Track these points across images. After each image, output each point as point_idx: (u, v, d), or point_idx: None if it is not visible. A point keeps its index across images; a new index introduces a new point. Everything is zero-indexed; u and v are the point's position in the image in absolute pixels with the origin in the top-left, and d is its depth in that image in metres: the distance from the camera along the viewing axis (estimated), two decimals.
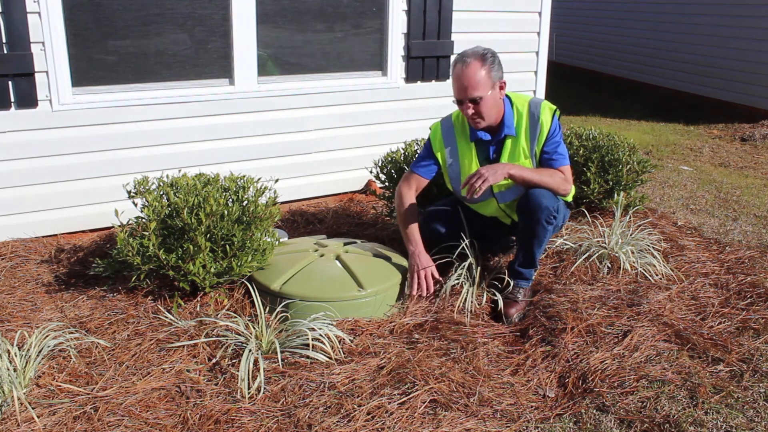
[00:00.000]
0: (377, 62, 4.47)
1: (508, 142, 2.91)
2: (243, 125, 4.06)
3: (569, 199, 3.05)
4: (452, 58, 4.60)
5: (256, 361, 2.41)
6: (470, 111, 2.79)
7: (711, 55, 8.44)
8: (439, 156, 3.04)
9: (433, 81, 4.59)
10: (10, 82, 3.38)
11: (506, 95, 2.93)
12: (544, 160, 2.90)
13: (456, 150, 3.01)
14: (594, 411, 2.27)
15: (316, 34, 4.22)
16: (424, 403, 2.26)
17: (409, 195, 3.05)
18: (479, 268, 3.06)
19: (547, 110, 2.89)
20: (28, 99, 3.44)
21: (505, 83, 2.84)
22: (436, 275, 2.94)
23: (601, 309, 2.87)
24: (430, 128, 3.12)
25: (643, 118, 8.00)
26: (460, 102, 2.80)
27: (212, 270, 2.75)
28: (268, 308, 2.79)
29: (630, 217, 3.89)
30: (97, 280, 3.09)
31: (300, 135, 4.27)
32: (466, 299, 2.90)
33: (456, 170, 3.02)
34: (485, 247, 3.23)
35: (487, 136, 2.92)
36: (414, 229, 2.99)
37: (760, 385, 2.42)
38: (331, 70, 4.33)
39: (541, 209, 2.78)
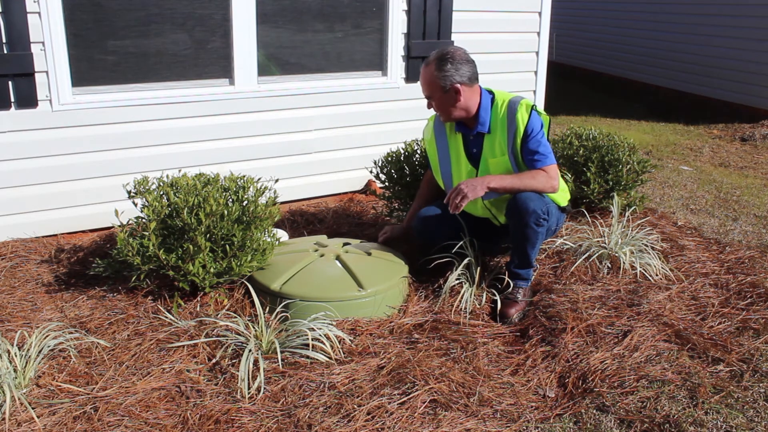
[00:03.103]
0: (377, 62, 4.46)
1: (485, 139, 2.94)
2: (243, 125, 4.06)
3: (563, 204, 3.04)
4: None
5: (256, 361, 2.41)
6: (430, 106, 2.95)
7: (711, 55, 8.44)
8: (428, 147, 3.13)
9: None
10: (10, 82, 3.38)
11: (491, 92, 2.97)
12: (528, 161, 2.88)
13: (446, 141, 3.06)
14: (594, 411, 2.27)
15: (316, 34, 4.22)
16: (424, 403, 2.26)
17: (425, 180, 3.33)
18: (479, 267, 3.06)
19: (524, 107, 2.88)
20: (28, 99, 3.44)
21: (460, 87, 2.81)
22: (387, 236, 3.29)
23: (601, 309, 2.87)
24: (428, 120, 3.20)
25: (643, 118, 8.00)
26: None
27: (212, 270, 2.75)
28: (268, 308, 2.79)
29: (630, 217, 3.89)
30: (97, 280, 3.09)
31: (300, 135, 4.27)
32: (465, 299, 2.90)
33: (447, 162, 3.05)
34: (482, 247, 3.23)
35: (464, 130, 2.99)
36: (413, 206, 3.32)
37: (760, 385, 2.42)
38: (331, 70, 4.32)
39: (528, 213, 2.79)
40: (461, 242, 3.02)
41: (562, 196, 3.04)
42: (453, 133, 3.02)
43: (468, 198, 2.75)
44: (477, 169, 2.98)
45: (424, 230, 3.13)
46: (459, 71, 2.82)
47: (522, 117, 2.86)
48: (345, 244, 3.18)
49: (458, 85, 2.82)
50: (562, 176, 4.07)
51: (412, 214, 3.27)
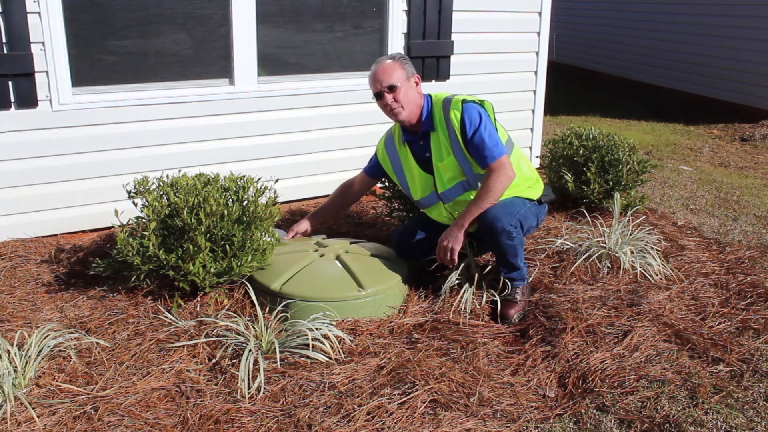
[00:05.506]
0: None
1: (431, 139, 2.96)
2: (243, 125, 4.06)
3: (536, 196, 3.00)
4: (452, 58, 4.60)
5: (256, 361, 2.41)
6: (389, 99, 2.89)
7: (711, 55, 8.44)
8: (383, 165, 3.21)
9: (434, 81, 4.59)
10: (10, 82, 3.38)
11: (428, 95, 3.01)
12: (479, 160, 2.85)
13: (397, 156, 3.11)
14: (594, 411, 2.27)
15: (316, 34, 4.22)
16: (424, 403, 2.26)
17: (345, 183, 3.41)
18: (478, 267, 3.06)
19: (455, 104, 2.89)
20: (28, 99, 3.44)
21: (419, 79, 2.96)
22: (300, 231, 3.30)
23: (601, 309, 2.87)
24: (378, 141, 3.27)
25: (643, 118, 7.99)
26: (378, 96, 2.92)
27: (212, 270, 2.75)
28: (268, 308, 2.79)
29: (630, 217, 3.89)
30: (97, 280, 3.09)
31: (300, 135, 4.27)
32: (465, 299, 2.90)
33: (402, 174, 3.12)
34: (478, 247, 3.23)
35: (411, 137, 3.02)
36: (324, 202, 3.48)
37: (760, 385, 2.42)
38: (331, 70, 4.32)
39: (498, 233, 2.81)
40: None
41: (534, 189, 3.01)
42: (402, 147, 3.07)
43: (456, 249, 2.86)
44: (432, 174, 2.99)
45: (403, 248, 3.18)
46: (413, 67, 2.97)
47: (455, 115, 2.88)
48: (345, 244, 3.18)
49: (418, 76, 2.95)
50: (562, 176, 4.08)
51: (316, 212, 3.40)
